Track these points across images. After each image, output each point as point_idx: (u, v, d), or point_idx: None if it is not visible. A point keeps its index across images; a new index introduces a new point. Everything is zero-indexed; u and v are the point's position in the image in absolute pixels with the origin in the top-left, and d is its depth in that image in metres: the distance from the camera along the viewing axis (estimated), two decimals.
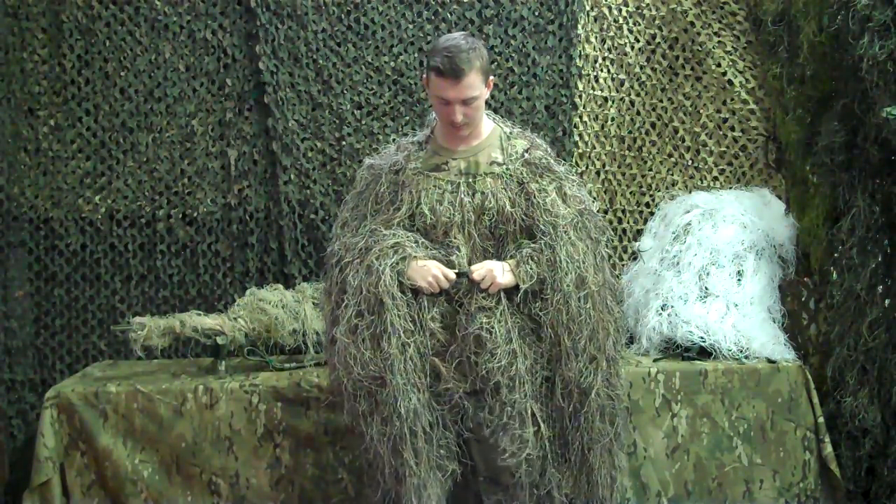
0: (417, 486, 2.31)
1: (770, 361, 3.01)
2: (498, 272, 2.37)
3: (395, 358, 2.30)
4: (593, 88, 3.57)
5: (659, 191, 3.66)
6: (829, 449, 2.96)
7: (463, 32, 2.50)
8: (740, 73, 3.62)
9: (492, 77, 2.48)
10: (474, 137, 2.50)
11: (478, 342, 2.35)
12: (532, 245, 2.41)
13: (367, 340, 2.33)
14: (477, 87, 2.37)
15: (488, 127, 2.54)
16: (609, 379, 2.43)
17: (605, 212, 3.59)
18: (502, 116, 2.73)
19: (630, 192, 3.67)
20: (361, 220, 2.50)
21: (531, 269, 2.37)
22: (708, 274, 3.18)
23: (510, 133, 2.55)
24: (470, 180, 2.46)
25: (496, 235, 2.45)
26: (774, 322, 3.16)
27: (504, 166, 2.47)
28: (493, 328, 2.34)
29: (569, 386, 2.37)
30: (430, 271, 2.37)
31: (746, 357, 3.02)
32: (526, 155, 2.49)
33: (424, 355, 2.36)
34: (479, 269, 2.38)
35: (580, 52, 3.52)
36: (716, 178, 3.67)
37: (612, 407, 2.44)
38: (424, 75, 2.47)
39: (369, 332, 2.33)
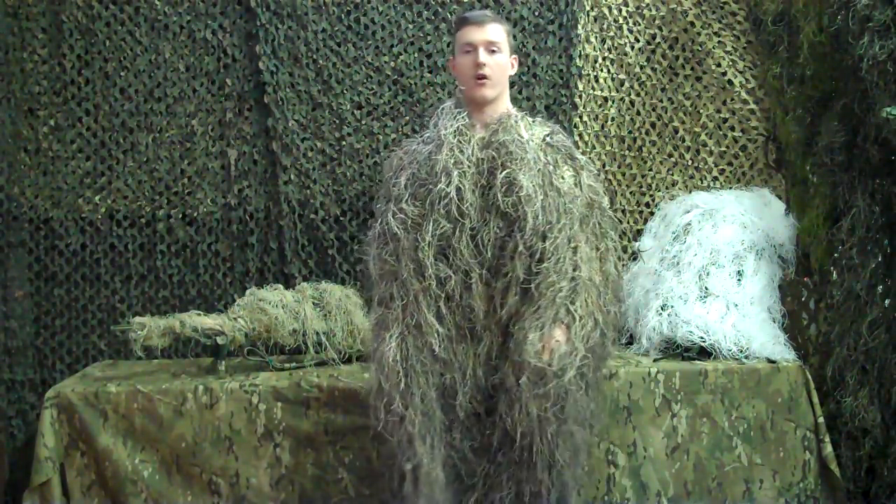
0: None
1: (770, 361, 3.01)
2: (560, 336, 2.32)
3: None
4: (593, 88, 3.57)
5: (659, 191, 3.66)
6: (829, 449, 2.95)
7: None
8: (740, 73, 3.62)
9: (515, 55, 2.53)
10: (496, 110, 2.48)
11: None
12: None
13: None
14: (501, 37, 2.43)
15: (512, 111, 2.52)
16: (584, 373, 2.35)
17: None
18: None
19: (630, 192, 3.67)
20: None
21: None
22: (708, 274, 3.18)
23: (532, 121, 2.54)
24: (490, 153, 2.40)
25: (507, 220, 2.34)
26: (774, 322, 3.16)
27: (526, 144, 2.40)
28: None
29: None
30: None
31: (746, 357, 3.01)
32: (548, 139, 2.47)
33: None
34: (545, 356, 2.30)
35: (580, 52, 3.52)
36: (716, 178, 3.66)
37: (585, 405, 2.37)
38: (451, 56, 2.55)
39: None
